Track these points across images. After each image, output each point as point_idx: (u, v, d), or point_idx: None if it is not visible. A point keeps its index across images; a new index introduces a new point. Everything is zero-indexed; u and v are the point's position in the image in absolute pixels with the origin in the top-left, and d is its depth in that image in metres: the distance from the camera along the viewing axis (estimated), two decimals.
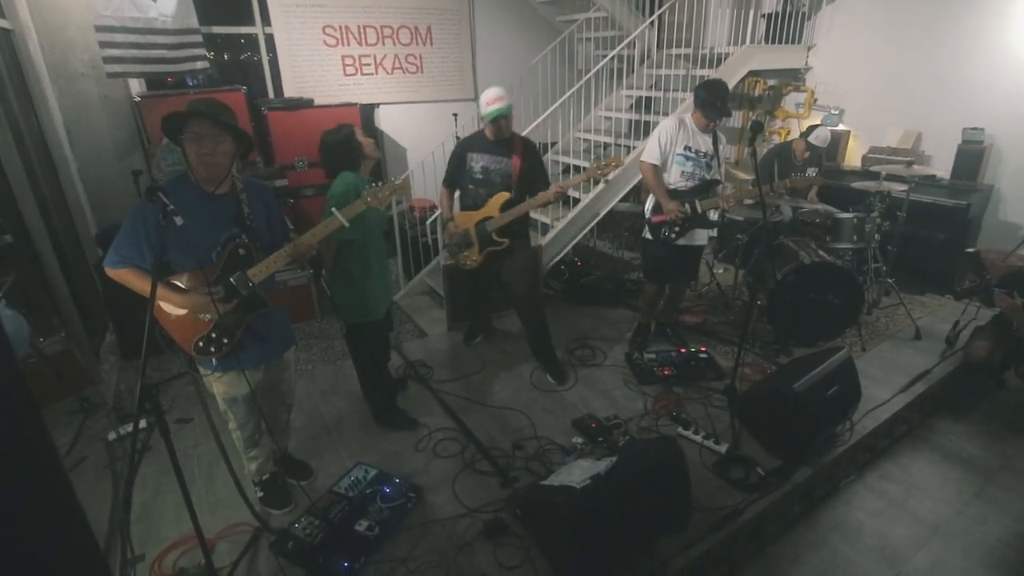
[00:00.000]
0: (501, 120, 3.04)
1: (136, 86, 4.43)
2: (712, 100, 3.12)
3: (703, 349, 3.52)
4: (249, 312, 2.06)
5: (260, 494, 2.46)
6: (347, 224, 2.11)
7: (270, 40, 5.03)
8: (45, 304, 3.22)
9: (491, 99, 3.03)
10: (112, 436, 2.87)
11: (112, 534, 2.31)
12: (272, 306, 2.13)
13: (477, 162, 3.22)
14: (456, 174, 3.33)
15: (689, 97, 4.69)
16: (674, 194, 3.30)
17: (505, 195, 3.13)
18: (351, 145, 2.51)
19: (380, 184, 2.20)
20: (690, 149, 3.26)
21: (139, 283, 1.90)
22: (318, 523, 2.25)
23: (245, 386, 2.12)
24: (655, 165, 3.27)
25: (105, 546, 2.26)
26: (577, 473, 2.13)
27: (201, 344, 2.01)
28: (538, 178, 3.22)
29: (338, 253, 2.58)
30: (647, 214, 3.44)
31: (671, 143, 3.25)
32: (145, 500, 2.50)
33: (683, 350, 3.52)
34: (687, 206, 3.24)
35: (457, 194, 3.41)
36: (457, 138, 5.19)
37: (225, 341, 2.03)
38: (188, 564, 2.18)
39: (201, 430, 2.97)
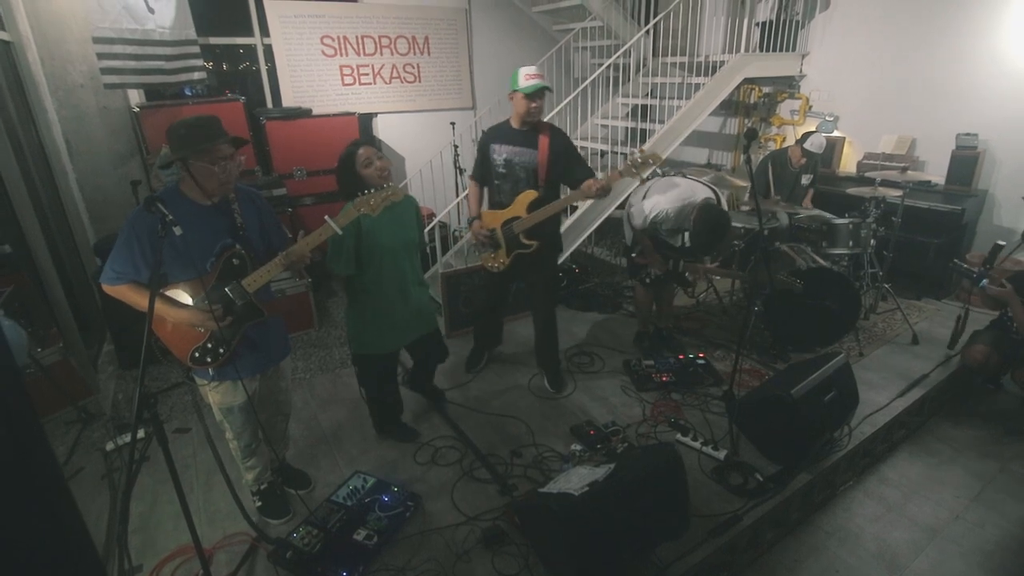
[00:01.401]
0: (537, 98, 2.81)
1: (135, 96, 4.46)
2: (710, 243, 3.15)
3: (701, 355, 3.53)
4: (246, 322, 2.06)
5: (258, 503, 2.46)
6: (340, 231, 2.07)
7: (269, 50, 5.06)
8: (43, 314, 3.22)
9: (531, 73, 2.81)
10: (110, 446, 2.86)
11: (109, 544, 2.30)
12: (268, 315, 2.13)
13: (500, 154, 2.98)
14: (483, 167, 3.11)
15: (684, 104, 4.74)
16: (661, 246, 3.37)
17: (532, 194, 2.89)
18: (347, 165, 2.35)
19: (371, 192, 2.10)
20: (675, 231, 3.32)
21: (137, 298, 1.90)
22: (316, 532, 2.25)
23: (241, 396, 2.12)
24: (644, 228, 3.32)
25: (103, 556, 2.25)
26: (575, 480, 2.13)
27: (197, 354, 2.01)
28: (574, 165, 2.95)
29: (349, 279, 2.49)
30: (631, 246, 3.51)
31: (658, 225, 3.27)
32: (143, 510, 2.49)
33: (681, 356, 3.52)
34: (671, 263, 3.29)
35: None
36: (455, 146, 5.25)
37: (221, 351, 2.03)
38: (186, 574, 2.17)
39: (199, 440, 2.96)
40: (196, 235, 1.89)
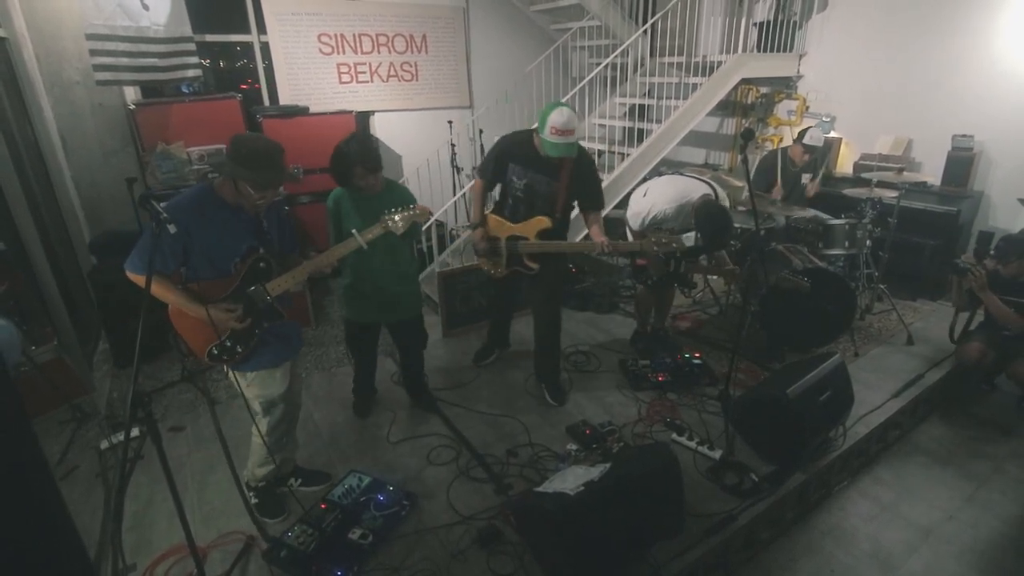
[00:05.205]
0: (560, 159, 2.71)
1: (131, 94, 4.43)
2: (714, 239, 3.15)
3: (697, 355, 3.53)
4: (264, 323, 2.11)
5: (254, 501, 2.44)
6: (365, 246, 2.22)
7: (266, 48, 5.04)
8: (38, 312, 3.20)
9: (559, 128, 2.58)
10: (105, 445, 2.85)
11: (104, 543, 2.29)
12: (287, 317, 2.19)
13: (520, 178, 2.89)
14: (495, 175, 2.97)
15: (682, 104, 4.74)
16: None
17: (545, 221, 2.86)
18: (338, 159, 2.55)
19: (399, 210, 2.27)
20: (679, 231, 3.27)
21: (160, 290, 1.92)
22: (311, 531, 2.25)
23: (280, 384, 2.19)
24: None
25: (97, 555, 2.25)
26: (571, 480, 2.13)
27: (215, 351, 2.06)
28: (590, 194, 2.93)
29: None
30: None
31: (659, 225, 3.22)
32: (137, 509, 2.49)
33: (677, 356, 3.53)
34: (671, 263, 3.28)
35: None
36: (452, 145, 5.23)
37: (239, 349, 2.08)
38: (180, 573, 2.17)
39: (194, 439, 2.96)
40: (222, 235, 1.97)
